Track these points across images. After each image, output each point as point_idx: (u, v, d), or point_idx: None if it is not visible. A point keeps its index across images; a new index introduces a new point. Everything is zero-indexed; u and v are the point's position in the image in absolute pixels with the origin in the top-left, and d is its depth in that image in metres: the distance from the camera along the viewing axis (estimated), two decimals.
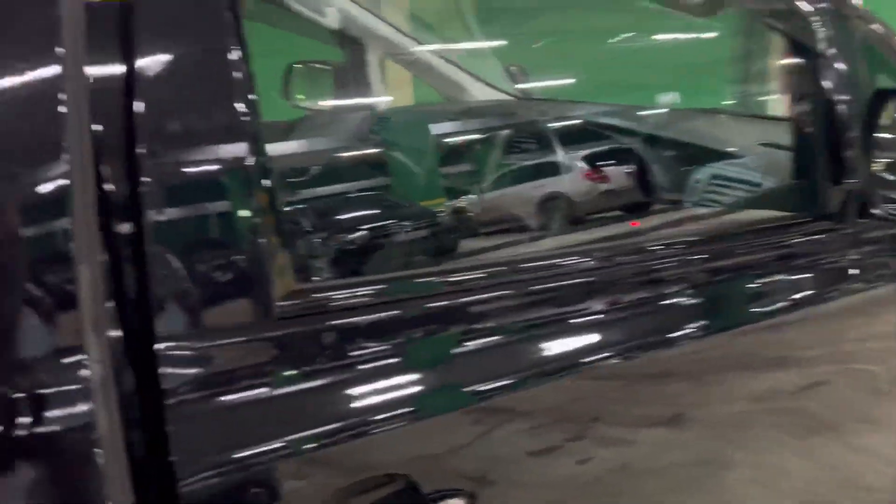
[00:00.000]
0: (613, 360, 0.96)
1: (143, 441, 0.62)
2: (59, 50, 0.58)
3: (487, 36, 2.63)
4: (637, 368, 0.97)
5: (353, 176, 1.77)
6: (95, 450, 0.57)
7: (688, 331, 1.07)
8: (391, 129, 2.03)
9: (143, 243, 0.63)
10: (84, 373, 0.57)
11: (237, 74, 0.69)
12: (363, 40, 2.00)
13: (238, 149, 0.69)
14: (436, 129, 1.95)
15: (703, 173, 1.85)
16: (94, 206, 0.58)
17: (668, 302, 1.06)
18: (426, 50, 2.10)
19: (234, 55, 0.69)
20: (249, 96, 0.69)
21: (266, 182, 0.70)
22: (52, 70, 0.59)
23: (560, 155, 2.18)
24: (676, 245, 1.18)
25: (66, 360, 0.57)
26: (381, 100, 2.12)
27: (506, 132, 2.11)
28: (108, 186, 0.63)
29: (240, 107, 0.69)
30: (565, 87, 2.77)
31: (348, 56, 2.04)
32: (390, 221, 1.62)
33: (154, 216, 0.63)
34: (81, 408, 0.57)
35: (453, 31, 2.50)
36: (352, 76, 2.05)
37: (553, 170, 2.18)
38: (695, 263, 1.14)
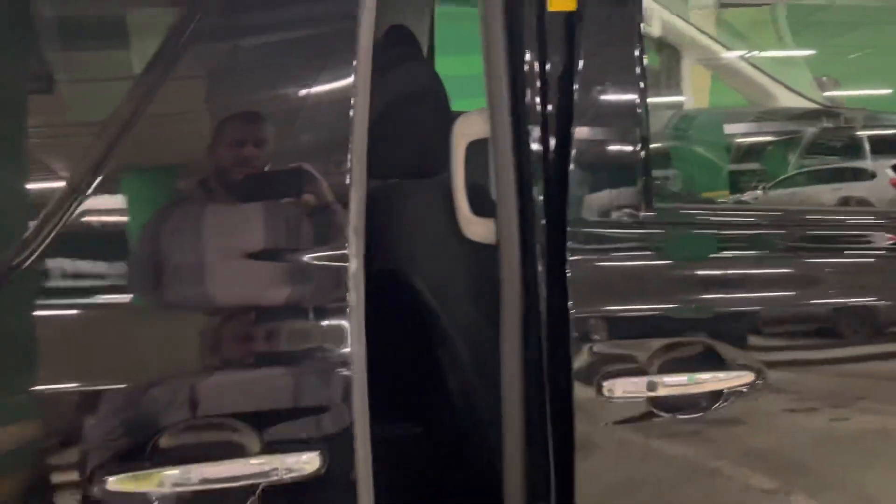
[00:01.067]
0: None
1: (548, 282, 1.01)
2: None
3: (799, 46, 2.71)
4: None
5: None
6: None
7: None
8: (693, 126, 2.27)
9: (567, 172, 1.02)
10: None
11: (638, 70, 1.05)
12: (679, 47, 2.26)
13: (632, 121, 1.05)
14: (733, 129, 2.15)
15: None
16: None
17: None
18: (737, 56, 2.29)
19: (637, 54, 1.05)
20: (645, 103, 1.05)
21: (644, 140, 1.05)
22: None
23: (864, 161, 2.23)
24: None
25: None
26: (686, 100, 2.36)
27: (805, 136, 2.22)
28: (552, 143, 1.02)
29: (637, 95, 1.04)
30: (877, 99, 2.74)
31: (664, 61, 2.32)
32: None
33: (578, 158, 1.03)
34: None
35: (764, 41, 2.64)
36: (662, 79, 2.32)
37: (855, 175, 2.23)
38: None
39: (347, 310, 0.88)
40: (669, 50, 2.28)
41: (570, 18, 1.03)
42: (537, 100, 1.02)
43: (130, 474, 0.82)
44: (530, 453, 1.06)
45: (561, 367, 1.01)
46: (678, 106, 2.37)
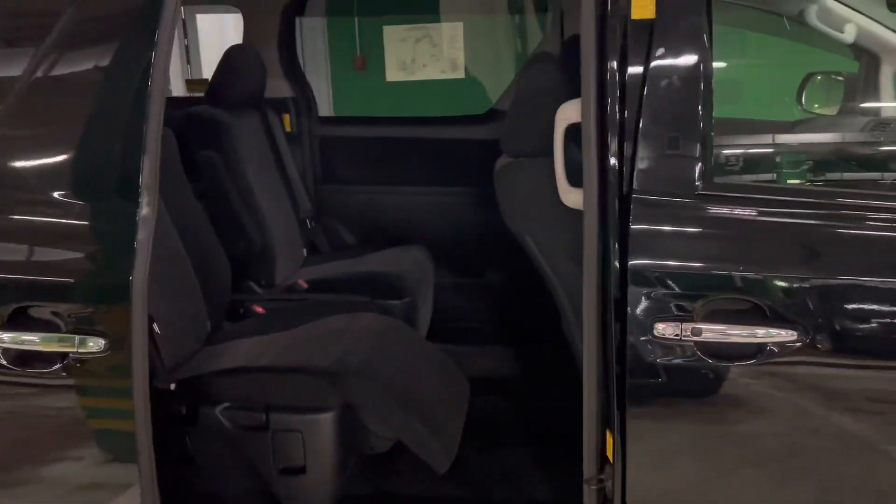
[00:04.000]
0: None
1: None
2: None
3: None
4: None
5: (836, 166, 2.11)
6: None
7: None
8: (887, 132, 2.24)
9: (636, 152, 1.28)
10: None
11: (702, 83, 1.27)
12: (879, 54, 2.25)
13: (694, 133, 1.28)
14: None
15: None
16: None
17: None
18: None
19: (703, 66, 1.27)
20: (708, 98, 1.27)
21: (706, 130, 1.27)
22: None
23: None
24: None
25: None
26: (888, 106, 2.32)
27: None
28: (627, 128, 1.29)
29: (698, 107, 1.26)
30: None
31: (863, 67, 2.31)
32: None
33: (644, 141, 1.29)
34: None
35: None
36: (861, 85, 2.31)
37: None
38: None
39: (135, 243, 1.30)
40: (868, 56, 2.27)
41: (651, 26, 1.27)
42: (617, 92, 1.28)
43: None
44: (603, 376, 1.34)
45: (623, 309, 1.27)
46: (874, 114, 2.35)
